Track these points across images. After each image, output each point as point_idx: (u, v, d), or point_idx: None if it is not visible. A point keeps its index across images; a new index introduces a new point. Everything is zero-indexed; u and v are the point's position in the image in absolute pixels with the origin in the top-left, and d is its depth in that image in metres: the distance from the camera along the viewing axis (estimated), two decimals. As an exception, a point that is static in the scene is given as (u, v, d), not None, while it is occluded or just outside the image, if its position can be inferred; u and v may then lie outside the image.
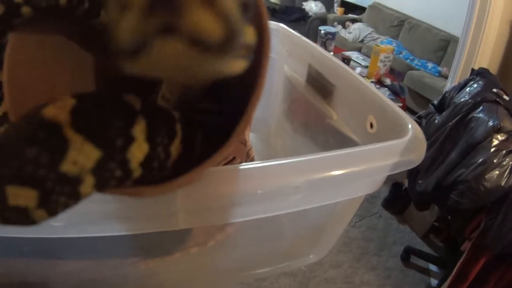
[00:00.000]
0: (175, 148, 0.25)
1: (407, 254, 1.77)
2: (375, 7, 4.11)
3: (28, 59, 0.27)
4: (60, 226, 0.30)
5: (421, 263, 1.76)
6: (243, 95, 0.25)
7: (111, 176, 0.21)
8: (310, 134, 0.74)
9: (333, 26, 3.92)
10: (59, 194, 0.20)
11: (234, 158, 0.60)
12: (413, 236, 1.90)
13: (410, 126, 0.46)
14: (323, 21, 4.12)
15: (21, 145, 0.19)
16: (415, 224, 1.96)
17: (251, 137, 0.88)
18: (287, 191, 0.36)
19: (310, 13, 4.37)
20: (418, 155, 0.44)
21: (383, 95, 0.55)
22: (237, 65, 0.20)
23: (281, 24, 0.87)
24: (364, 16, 4.19)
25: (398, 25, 3.78)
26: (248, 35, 0.20)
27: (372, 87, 0.57)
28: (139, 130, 0.22)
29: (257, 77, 0.25)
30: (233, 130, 0.25)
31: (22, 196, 0.19)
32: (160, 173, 0.24)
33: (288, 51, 0.84)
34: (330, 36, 2.66)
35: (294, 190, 0.36)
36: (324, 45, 2.65)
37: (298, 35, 0.81)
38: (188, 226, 0.35)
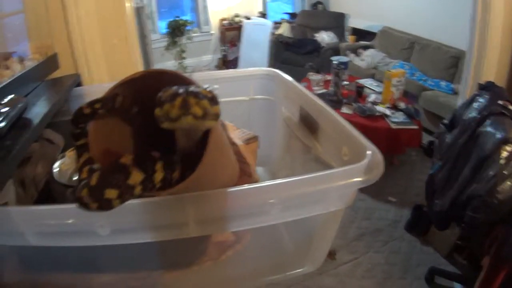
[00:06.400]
0: (177, 173, 0.50)
1: (431, 275, 1.76)
2: (385, 31, 4.19)
3: (100, 128, 0.55)
4: (104, 236, 0.47)
5: (446, 282, 1.75)
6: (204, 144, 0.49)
7: (146, 186, 0.46)
8: (303, 163, 0.87)
9: (346, 55, 4.01)
10: (126, 193, 0.43)
11: None
12: (437, 257, 1.87)
13: (368, 152, 0.58)
14: (336, 50, 4.21)
15: (112, 174, 0.44)
16: (438, 244, 1.94)
17: (260, 170, 1.05)
18: (265, 208, 0.50)
19: (323, 44, 4.45)
20: (375, 175, 0.56)
21: (353, 128, 0.67)
22: (213, 123, 0.45)
23: (276, 70, 1.03)
24: (375, 41, 4.27)
25: (409, 47, 3.83)
26: (215, 109, 0.44)
27: (346, 123, 0.70)
28: (159, 166, 0.48)
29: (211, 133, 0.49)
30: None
31: (111, 193, 0.42)
32: (169, 183, 0.49)
33: (284, 94, 0.99)
34: (343, 66, 2.73)
35: (270, 206, 0.50)
36: (338, 75, 2.71)
37: (291, 79, 0.96)
38: (197, 234, 0.51)
